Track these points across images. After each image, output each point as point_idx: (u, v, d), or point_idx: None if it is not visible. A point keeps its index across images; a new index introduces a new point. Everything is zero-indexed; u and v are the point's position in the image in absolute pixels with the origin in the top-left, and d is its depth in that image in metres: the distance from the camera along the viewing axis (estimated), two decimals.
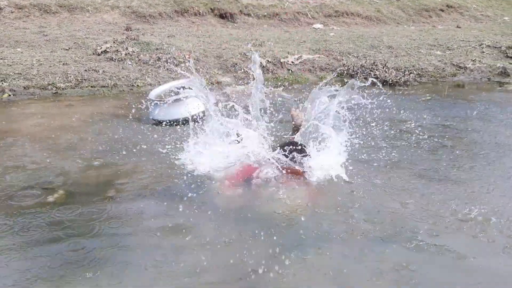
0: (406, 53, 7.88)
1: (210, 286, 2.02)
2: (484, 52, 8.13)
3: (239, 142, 3.18)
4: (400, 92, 5.89)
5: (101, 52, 6.79)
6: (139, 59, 6.61)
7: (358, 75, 6.55)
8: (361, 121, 3.93)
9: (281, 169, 3.02)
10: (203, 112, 4.41)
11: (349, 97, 3.17)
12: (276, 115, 3.54)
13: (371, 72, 6.60)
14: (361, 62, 7.13)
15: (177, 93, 4.39)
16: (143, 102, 4.45)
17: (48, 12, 8.75)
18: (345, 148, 3.31)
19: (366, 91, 3.23)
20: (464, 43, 8.63)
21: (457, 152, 3.69)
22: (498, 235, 2.45)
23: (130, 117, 4.61)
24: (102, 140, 3.89)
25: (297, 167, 3.03)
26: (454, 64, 7.48)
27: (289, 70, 6.96)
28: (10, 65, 6.07)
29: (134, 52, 6.80)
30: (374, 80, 3.25)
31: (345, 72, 6.85)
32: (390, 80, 6.34)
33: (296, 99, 5.46)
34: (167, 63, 6.33)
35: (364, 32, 9.34)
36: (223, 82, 6.28)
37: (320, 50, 7.69)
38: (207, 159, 3.21)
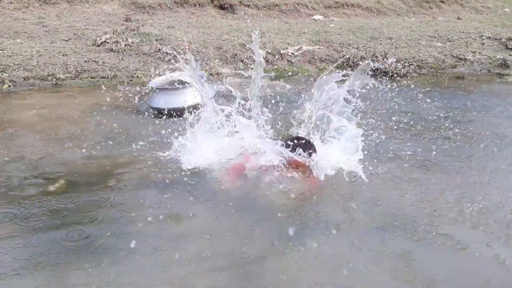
0: (406, 45, 7.87)
1: (209, 274, 2.04)
2: (484, 43, 8.12)
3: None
4: (400, 84, 5.88)
5: (101, 43, 6.79)
6: (139, 50, 6.61)
7: (358, 66, 6.53)
8: (360, 113, 3.92)
9: (285, 162, 3.02)
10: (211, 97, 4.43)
11: (361, 82, 3.11)
12: (276, 107, 3.55)
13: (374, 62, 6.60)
14: (361, 53, 7.12)
15: (178, 82, 4.40)
16: (142, 92, 4.46)
17: (47, 3, 8.73)
18: (354, 140, 3.26)
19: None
20: (465, 34, 8.61)
21: (457, 143, 3.70)
22: (497, 225, 2.46)
23: (130, 108, 4.61)
24: (102, 131, 3.90)
25: (301, 161, 3.01)
26: (454, 56, 7.47)
27: (289, 61, 6.95)
28: (10, 56, 6.07)
29: (134, 43, 6.79)
30: (371, 63, 3.20)
31: (345, 63, 6.84)
32: (390, 71, 6.34)
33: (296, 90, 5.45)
34: (167, 54, 6.32)
35: (365, 24, 9.32)
36: (223, 73, 6.28)
37: (320, 41, 7.68)
38: (206, 150, 3.22)
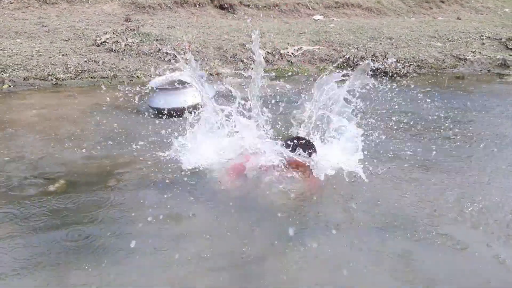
0: (406, 45, 7.87)
1: (209, 274, 2.04)
2: (484, 43, 8.12)
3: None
4: (400, 84, 5.88)
5: (101, 43, 6.79)
6: (139, 50, 6.61)
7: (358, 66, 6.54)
8: (360, 113, 3.92)
9: (285, 162, 3.01)
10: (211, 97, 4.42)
11: (361, 82, 3.10)
12: (276, 107, 3.55)
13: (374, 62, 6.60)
14: (361, 53, 7.12)
15: (178, 82, 4.39)
16: (142, 92, 4.46)
17: (47, 3, 8.73)
18: (354, 140, 3.24)
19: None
20: (465, 34, 8.61)
21: (457, 143, 3.70)
22: (497, 225, 2.46)
23: (130, 108, 4.61)
24: (102, 131, 3.90)
25: (301, 161, 2.99)
26: (454, 56, 7.47)
27: (289, 61, 6.95)
28: (10, 56, 6.07)
29: (134, 43, 6.80)
30: (371, 63, 3.18)
31: (345, 63, 6.85)
32: (390, 71, 6.34)
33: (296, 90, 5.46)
34: (167, 54, 6.32)
35: (365, 24, 9.32)
36: (223, 73, 6.28)
37: (320, 41, 7.68)
38: (206, 150, 3.22)
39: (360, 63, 6.52)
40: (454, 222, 2.48)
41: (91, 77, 5.81)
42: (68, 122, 4.13)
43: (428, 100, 5.08)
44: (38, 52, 6.31)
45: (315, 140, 3.17)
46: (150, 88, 4.46)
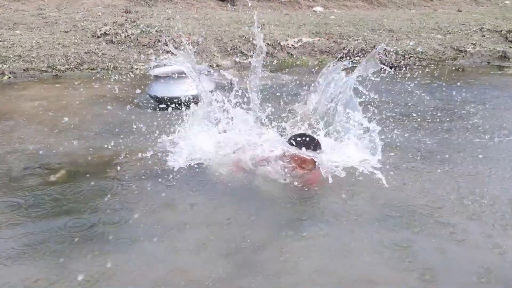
0: (406, 37, 7.86)
1: (210, 262, 2.05)
2: (484, 36, 8.10)
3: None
4: (400, 76, 5.88)
5: (101, 34, 6.78)
6: (139, 42, 6.60)
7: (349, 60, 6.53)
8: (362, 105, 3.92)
9: (289, 158, 2.96)
10: (210, 91, 4.41)
11: (371, 70, 3.03)
12: (276, 99, 3.55)
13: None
14: (361, 45, 7.11)
15: (179, 73, 4.37)
16: (142, 83, 4.46)
17: None
18: (369, 137, 3.11)
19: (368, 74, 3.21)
20: (465, 26, 8.59)
21: (457, 135, 3.71)
22: (495, 215, 2.48)
23: (130, 99, 4.62)
24: (103, 122, 3.91)
25: (306, 157, 2.90)
26: (454, 48, 7.47)
27: (289, 53, 6.95)
28: (10, 48, 6.07)
29: (133, 34, 6.79)
30: (386, 48, 3.09)
31: (345, 55, 6.84)
32: (390, 63, 6.34)
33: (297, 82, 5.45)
34: (166, 45, 6.31)
35: (365, 15, 9.29)
36: (223, 65, 6.28)
37: (320, 33, 7.67)
38: (205, 142, 3.23)
39: (359, 55, 6.53)
40: (453, 212, 2.50)
41: (91, 69, 5.80)
42: (68, 113, 4.13)
43: (428, 92, 5.09)
44: (37, 44, 6.31)
45: (321, 136, 3.15)
46: (151, 76, 4.44)
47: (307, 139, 2.95)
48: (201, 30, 7.08)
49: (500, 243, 2.23)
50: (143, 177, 2.85)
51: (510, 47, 7.51)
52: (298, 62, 6.71)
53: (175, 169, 2.92)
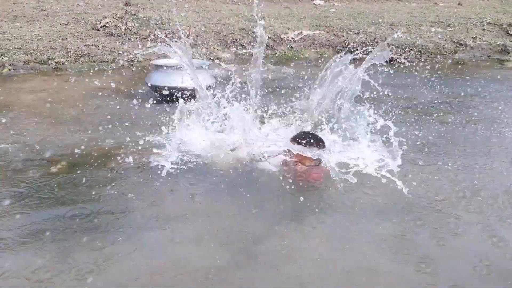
0: (407, 30, 7.85)
1: (211, 252, 2.07)
2: (484, 29, 8.09)
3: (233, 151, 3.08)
4: (400, 69, 5.88)
5: (101, 27, 6.77)
6: (139, 34, 6.59)
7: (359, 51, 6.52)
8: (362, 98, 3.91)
9: (292, 155, 2.92)
10: (209, 86, 4.40)
11: (382, 59, 2.99)
12: (277, 93, 3.54)
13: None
14: (361, 38, 7.10)
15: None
16: (142, 75, 4.45)
17: None
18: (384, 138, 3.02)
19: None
20: (465, 20, 8.58)
21: (457, 128, 3.72)
22: (493, 207, 2.49)
23: (130, 92, 4.63)
24: (102, 114, 3.92)
25: (309, 154, 2.80)
26: (454, 41, 7.46)
27: (289, 46, 6.94)
28: (10, 40, 6.06)
29: (133, 27, 6.78)
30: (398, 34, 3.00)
31: (345, 48, 6.84)
32: (390, 57, 6.32)
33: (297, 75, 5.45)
34: (166, 38, 6.30)
35: (365, 9, 9.27)
36: (223, 58, 6.27)
37: (321, 26, 7.65)
38: (206, 135, 3.23)
39: (359, 48, 6.52)
40: (452, 204, 2.51)
41: (91, 61, 5.81)
42: (68, 106, 4.14)
43: (428, 85, 5.09)
44: (37, 36, 6.30)
45: (325, 133, 3.12)
46: (153, 65, 4.42)
47: (311, 137, 2.91)
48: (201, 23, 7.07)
49: (499, 235, 2.24)
50: (143, 169, 2.86)
51: (511, 41, 7.50)
52: (298, 55, 6.70)
53: (175, 162, 2.93)
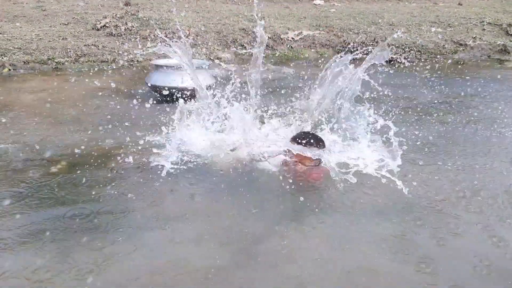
0: (406, 30, 7.85)
1: (210, 252, 2.07)
2: (485, 29, 8.09)
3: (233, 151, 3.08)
4: (400, 69, 5.88)
5: (101, 27, 6.77)
6: (139, 34, 6.59)
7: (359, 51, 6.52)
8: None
9: (291, 155, 2.91)
10: (209, 86, 4.39)
11: (382, 59, 2.97)
12: (277, 93, 3.54)
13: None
14: (361, 38, 7.11)
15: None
16: (142, 75, 4.45)
17: None
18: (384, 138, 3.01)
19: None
20: (465, 20, 8.58)
21: (457, 128, 3.72)
22: (493, 207, 2.49)
23: (130, 92, 4.62)
24: (102, 114, 3.92)
25: (309, 154, 2.78)
26: (454, 41, 7.46)
27: (289, 46, 6.94)
28: (10, 40, 6.06)
29: (133, 27, 6.78)
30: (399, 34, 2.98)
31: (345, 48, 6.84)
32: (390, 57, 6.32)
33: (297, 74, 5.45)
34: (166, 38, 6.30)
35: (365, 9, 9.27)
36: (223, 58, 6.27)
37: (321, 26, 7.66)
38: (207, 135, 3.23)
39: (358, 48, 6.51)
40: (452, 204, 2.51)
41: (91, 61, 5.81)
42: (68, 106, 4.14)
43: (427, 85, 5.09)
44: (37, 36, 6.30)
45: (325, 133, 3.12)
46: (151, 64, 4.41)
47: (311, 137, 2.90)
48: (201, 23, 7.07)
49: (499, 235, 2.24)
50: (143, 169, 2.86)
51: (511, 41, 7.51)
52: (298, 55, 6.70)
53: (175, 162, 2.93)
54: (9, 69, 5.39)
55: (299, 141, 2.89)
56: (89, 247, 2.07)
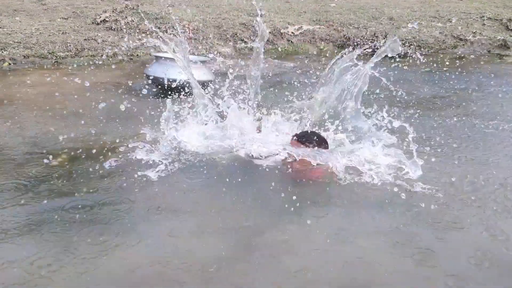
0: (407, 25, 7.83)
1: (210, 245, 2.08)
2: (485, 24, 8.07)
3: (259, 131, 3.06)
4: (400, 64, 5.87)
5: (100, 21, 6.76)
6: (139, 29, 6.59)
7: (359, 46, 6.51)
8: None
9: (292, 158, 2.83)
10: (208, 81, 4.39)
11: (393, 52, 2.92)
12: (279, 89, 3.53)
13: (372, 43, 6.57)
14: (361, 33, 7.10)
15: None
16: (142, 69, 4.45)
17: None
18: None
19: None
20: (465, 15, 8.55)
21: (457, 122, 3.73)
22: (493, 202, 2.50)
23: (130, 86, 4.63)
24: (102, 108, 3.90)
25: (314, 162, 2.72)
26: (454, 36, 7.45)
27: (289, 41, 6.94)
28: (10, 34, 6.05)
29: (133, 21, 6.77)
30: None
31: (346, 43, 6.83)
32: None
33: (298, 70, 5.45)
34: (166, 32, 6.30)
35: (365, 3, 9.24)
36: (223, 53, 6.27)
37: (321, 20, 7.64)
38: (206, 131, 3.23)
39: (358, 42, 6.50)
40: (451, 198, 2.53)
41: (91, 55, 5.80)
42: (68, 100, 4.14)
43: (427, 80, 5.10)
44: (37, 30, 6.29)
45: (330, 133, 3.11)
46: (152, 54, 4.39)
47: (315, 137, 2.87)
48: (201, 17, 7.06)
49: (497, 228, 2.26)
50: (143, 164, 2.86)
51: (511, 36, 7.49)
52: (298, 50, 6.70)
53: (176, 157, 2.93)
54: (9, 63, 5.39)
55: (303, 140, 2.86)
56: (89, 238, 2.09)
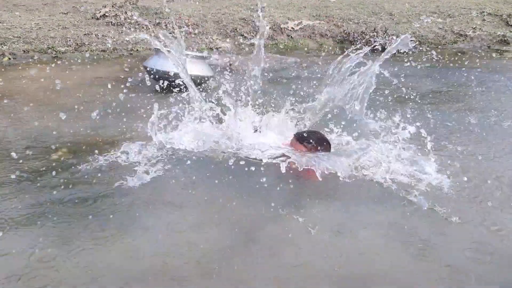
0: (407, 20, 7.83)
1: (211, 238, 2.10)
2: (485, 20, 8.07)
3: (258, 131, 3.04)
4: (400, 59, 5.87)
5: (100, 16, 6.75)
6: (138, 24, 6.58)
7: (359, 42, 6.52)
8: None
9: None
10: (207, 77, 4.39)
11: (404, 48, 2.86)
12: (280, 85, 3.53)
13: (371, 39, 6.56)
14: (361, 28, 7.09)
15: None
16: (141, 64, 4.45)
17: None
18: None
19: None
20: (466, 10, 8.55)
21: (456, 117, 3.74)
22: (493, 196, 2.51)
23: (130, 81, 4.62)
24: (102, 103, 3.93)
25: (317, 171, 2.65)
26: (454, 32, 7.45)
27: (289, 36, 6.93)
28: (9, 29, 6.05)
29: (133, 16, 6.76)
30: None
31: (345, 38, 6.83)
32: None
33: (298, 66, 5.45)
34: (166, 27, 6.30)
35: None
36: (223, 48, 6.27)
37: (321, 16, 7.64)
38: (205, 129, 3.23)
39: (358, 38, 6.49)
40: (449, 192, 2.54)
41: (91, 50, 5.80)
42: (68, 95, 4.15)
43: (427, 75, 5.10)
44: (37, 25, 6.29)
45: (334, 135, 3.10)
46: (153, 48, 4.39)
47: (315, 137, 2.83)
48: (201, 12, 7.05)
49: (495, 221, 2.27)
50: (141, 157, 2.87)
51: (511, 31, 7.49)
52: (298, 45, 6.70)
53: (174, 153, 2.94)
54: (9, 58, 5.39)
55: (303, 140, 2.82)
56: (90, 231, 2.10)
